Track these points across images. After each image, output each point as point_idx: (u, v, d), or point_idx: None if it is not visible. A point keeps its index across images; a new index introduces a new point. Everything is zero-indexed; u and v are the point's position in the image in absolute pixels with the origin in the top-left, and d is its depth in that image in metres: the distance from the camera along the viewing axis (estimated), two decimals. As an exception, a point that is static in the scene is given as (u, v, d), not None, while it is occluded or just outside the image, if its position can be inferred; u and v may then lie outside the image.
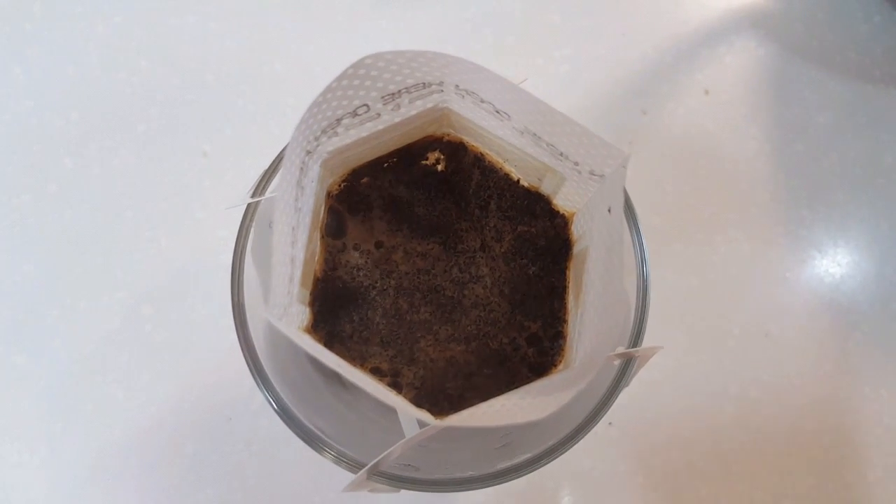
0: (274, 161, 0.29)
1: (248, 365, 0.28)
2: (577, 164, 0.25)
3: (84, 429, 0.42)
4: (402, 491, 0.30)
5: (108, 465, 0.41)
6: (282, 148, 0.29)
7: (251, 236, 0.28)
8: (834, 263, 0.45)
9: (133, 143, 0.45)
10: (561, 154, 0.25)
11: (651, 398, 0.42)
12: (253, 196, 0.28)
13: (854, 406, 0.43)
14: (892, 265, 0.44)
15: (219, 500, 0.41)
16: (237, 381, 0.42)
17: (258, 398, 0.42)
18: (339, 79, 0.22)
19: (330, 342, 0.28)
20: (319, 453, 0.27)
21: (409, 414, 0.20)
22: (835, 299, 0.44)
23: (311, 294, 0.28)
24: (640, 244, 0.27)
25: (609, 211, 0.23)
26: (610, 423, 0.42)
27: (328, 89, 0.22)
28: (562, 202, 0.28)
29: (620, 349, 0.26)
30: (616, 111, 0.47)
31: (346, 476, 0.27)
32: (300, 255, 0.25)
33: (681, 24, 0.48)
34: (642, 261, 0.27)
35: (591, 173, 0.25)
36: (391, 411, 0.33)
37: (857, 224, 0.45)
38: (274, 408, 0.27)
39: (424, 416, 0.20)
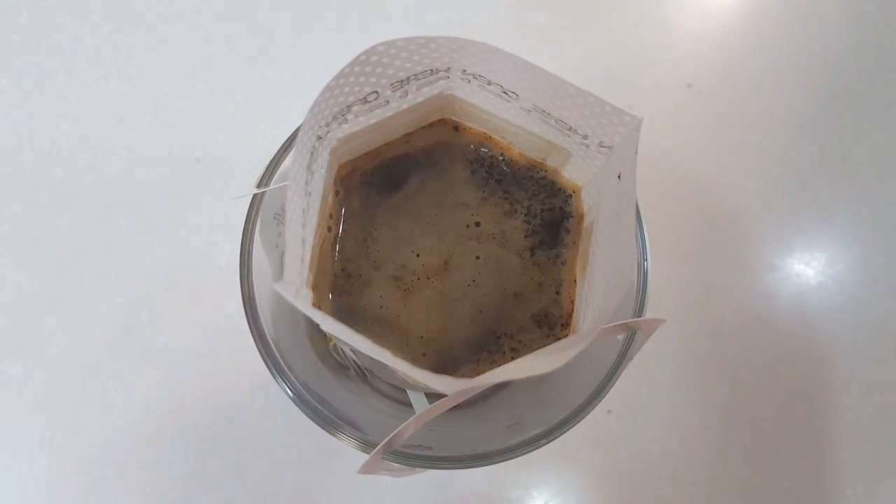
0: (278, 152, 0.29)
1: (262, 356, 0.28)
2: (585, 137, 0.25)
3: (84, 437, 0.41)
4: (413, 477, 0.31)
5: (109, 473, 0.41)
6: (283, 141, 0.29)
7: (258, 227, 0.29)
8: (820, 248, 0.46)
9: (125, 151, 0.45)
10: (570, 129, 0.26)
11: (648, 385, 0.43)
12: (258, 187, 0.29)
13: (844, 388, 0.44)
14: (875, 246, 0.46)
15: (223, 502, 0.41)
16: (237, 383, 0.42)
17: (259, 400, 0.42)
18: (352, 64, 0.23)
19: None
20: (335, 436, 0.27)
21: (427, 381, 0.21)
22: (822, 283, 0.45)
23: (315, 278, 0.28)
24: (638, 214, 0.27)
25: (619, 177, 0.23)
26: (609, 412, 0.43)
27: (341, 74, 0.23)
28: (567, 179, 0.29)
29: (623, 321, 0.26)
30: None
31: (354, 473, 0.27)
32: (310, 239, 0.26)
33: (662, 21, 0.49)
34: (640, 230, 0.27)
35: (601, 145, 0.25)
36: (401, 401, 0.34)
37: (840, 209, 0.46)
38: (289, 395, 0.27)
39: (442, 379, 0.20)
